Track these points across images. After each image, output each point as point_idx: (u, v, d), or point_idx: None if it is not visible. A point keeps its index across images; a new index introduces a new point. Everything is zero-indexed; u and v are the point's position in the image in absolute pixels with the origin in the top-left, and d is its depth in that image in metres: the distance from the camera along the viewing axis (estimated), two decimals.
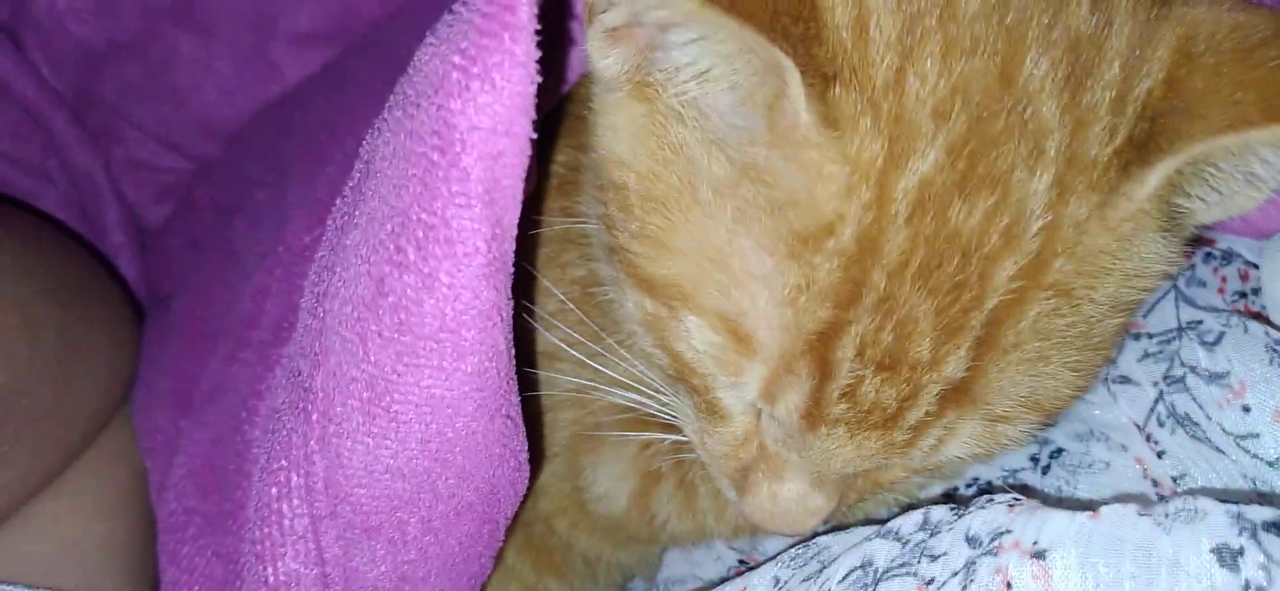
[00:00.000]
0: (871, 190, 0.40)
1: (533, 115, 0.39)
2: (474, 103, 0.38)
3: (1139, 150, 0.42)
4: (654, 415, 0.59)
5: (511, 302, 0.43)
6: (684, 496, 0.64)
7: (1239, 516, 0.40)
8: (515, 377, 0.46)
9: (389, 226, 0.41)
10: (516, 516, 0.69)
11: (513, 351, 0.45)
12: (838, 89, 0.40)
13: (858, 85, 0.40)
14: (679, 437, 0.58)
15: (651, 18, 0.41)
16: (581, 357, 0.57)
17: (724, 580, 0.59)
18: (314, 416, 0.46)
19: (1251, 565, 0.38)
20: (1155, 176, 0.42)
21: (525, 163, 0.39)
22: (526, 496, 0.68)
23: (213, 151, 0.88)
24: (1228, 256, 0.57)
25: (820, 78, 0.40)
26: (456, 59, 0.38)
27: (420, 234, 0.40)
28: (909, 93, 0.40)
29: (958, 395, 0.43)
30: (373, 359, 0.43)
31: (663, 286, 0.45)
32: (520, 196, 0.40)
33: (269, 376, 0.62)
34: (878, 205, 0.40)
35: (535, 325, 0.62)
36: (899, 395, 0.43)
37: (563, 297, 0.58)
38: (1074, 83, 0.41)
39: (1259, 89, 0.40)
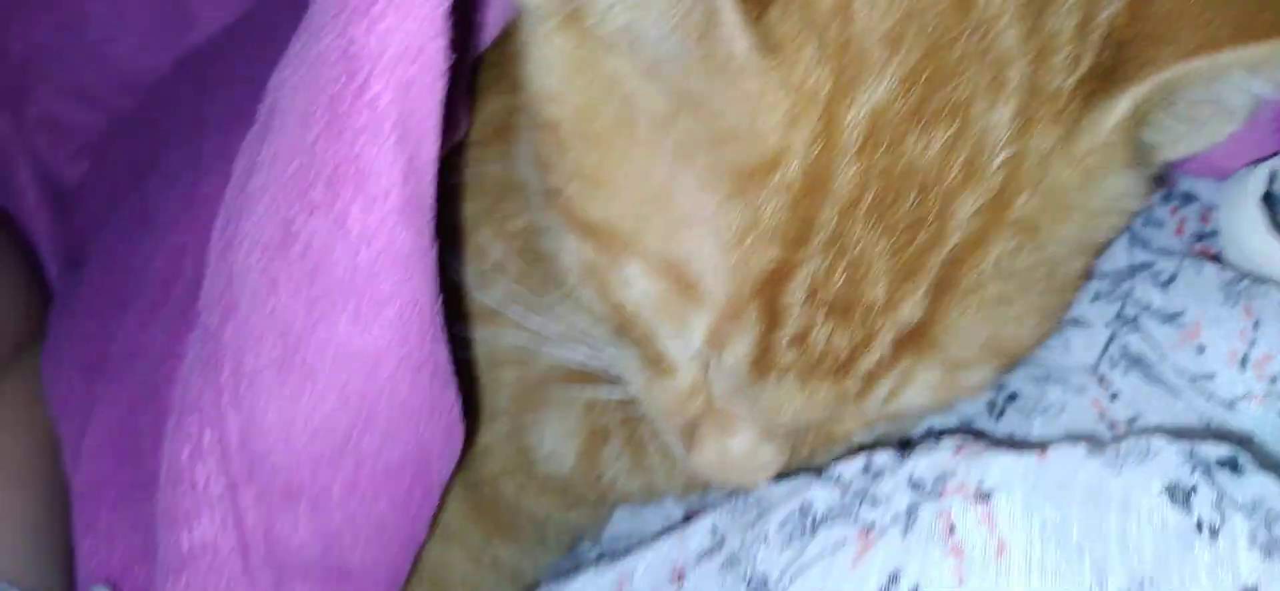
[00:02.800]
0: (818, 120, 0.38)
1: (446, 38, 0.36)
2: (380, 26, 0.35)
3: (1104, 79, 0.40)
4: (600, 371, 0.57)
5: (435, 248, 0.40)
6: (632, 453, 0.61)
7: (1192, 454, 0.38)
8: (443, 331, 0.43)
9: (295, 165, 0.38)
10: (461, 478, 0.67)
11: (439, 302, 0.42)
12: (775, 12, 0.38)
13: (799, 8, 0.38)
14: (626, 394, 0.55)
15: None
16: (523, 314, 0.54)
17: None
18: (225, 372, 0.43)
19: (1204, 503, 0.36)
20: (1121, 106, 0.40)
21: (440, 91, 0.37)
22: (470, 458, 0.66)
23: (129, 106, 0.84)
24: (1187, 198, 0.56)
25: (757, 1, 0.37)
26: None
27: (329, 172, 0.37)
28: (857, 17, 0.38)
29: (914, 340, 0.41)
30: (284, 308, 0.40)
31: (601, 230, 0.43)
32: (438, 130, 0.38)
33: (188, 335, 0.59)
34: (826, 136, 0.38)
35: (474, 282, 0.59)
36: (852, 341, 0.41)
37: (502, 252, 0.56)
38: (1035, 8, 0.39)
39: (1229, 7, 0.38)
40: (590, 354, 0.52)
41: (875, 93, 0.38)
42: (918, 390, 0.43)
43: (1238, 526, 0.35)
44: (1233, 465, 0.37)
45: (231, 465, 0.45)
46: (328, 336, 0.40)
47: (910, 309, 0.40)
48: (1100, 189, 0.42)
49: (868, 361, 0.41)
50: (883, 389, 0.43)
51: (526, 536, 0.69)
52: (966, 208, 0.39)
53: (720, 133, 0.39)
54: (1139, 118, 0.41)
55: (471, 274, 0.59)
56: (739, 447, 0.46)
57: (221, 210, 0.45)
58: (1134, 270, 0.52)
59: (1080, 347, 0.51)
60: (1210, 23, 0.38)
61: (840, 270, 0.39)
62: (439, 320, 0.43)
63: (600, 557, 0.61)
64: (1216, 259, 0.52)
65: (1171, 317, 0.49)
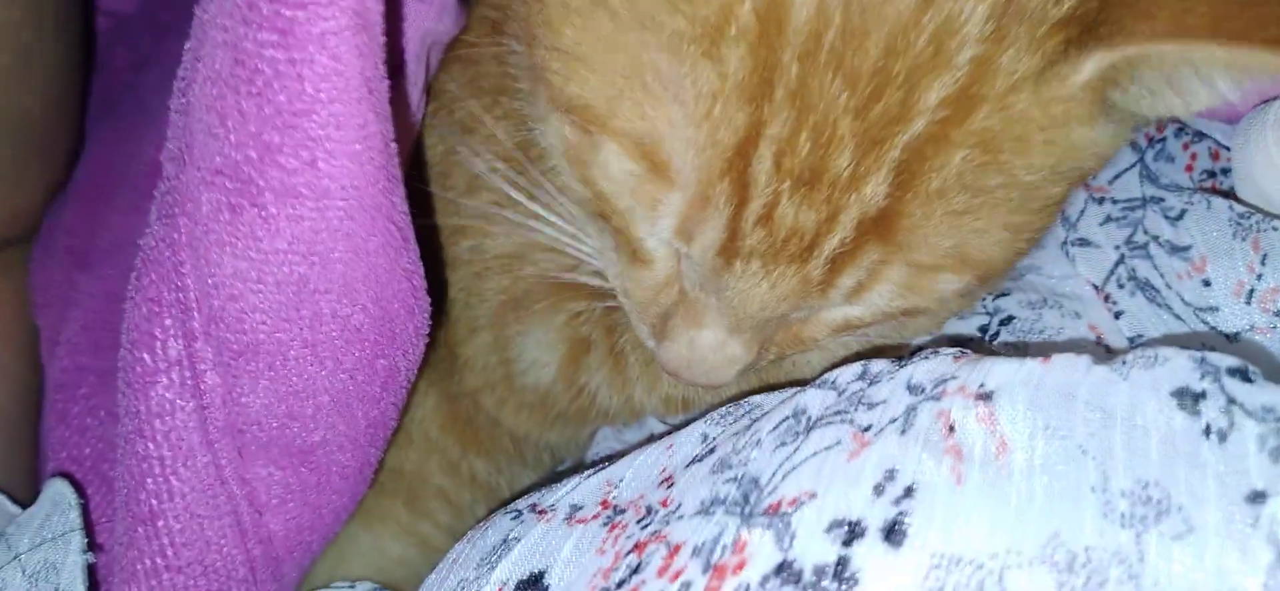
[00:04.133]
0: None
1: None
2: None
3: (1082, 30, 0.38)
4: (583, 283, 0.55)
5: (386, 80, 0.39)
6: (613, 365, 0.60)
7: (1202, 361, 0.37)
8: (399, 179, 0.42)
9: None
10: (441, 389, 0.66)
11: (392, 145, 0.41)
12: None
13: None
14: (610, 304, 0.54)
15: None
16: (516, 215, 0.53)
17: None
18: (181, 221, 0.41)
19: (1213, 408, 0.35)
20: (1089, 66, 0.39)
21: None
22: (451, 370, 0.65)
23: (129, 7, 0.82)
24: (1200, 135, 0.54)
25: None
26: None
27: None
28: None
29: (878, 228, 0.40)
30: (233, 142, 0.38)
31: (581, 108, 0.42)
32: None
33: None
34: None
35: (466, 188, 0.58)
36: (817, 219, 0.40)
37: (497, 150, 0.54)
38: None
39: (1212, 3, 0.37)
40: (575, 252, 0.51)
41: None
42: (884, 287, 0.42)
43: (1248, 431, 0.34)
44: (1243, 374, 0.36)
45: (189, 321, 0.43)
46: (276, 167, 0.38)
47: (874, 187, 0.39)
48: (1066, 134, 0.40)
49: (831, 242, 0.40)
50: (848, 280, 0.42)
51: (503, 453, 0.68)
52: (932, 92, 0.38)
53: None
54: (1107, 80, 0.39)
55: (464, 179, 0.58)
56: (708, 340, 0.45)
57: (184, 55, 0.43)
58: (1145, 201, 0.51)
59: (1086, 267, 0.50)
60: (1190, 11, 0.37)
61: (805, 133, 0.38)
62: (394, 163, 0.41)
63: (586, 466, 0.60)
64: (1228, 195, 0.51)
65: (1179, 250, 0.48)
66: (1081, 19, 0.38)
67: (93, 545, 0.49)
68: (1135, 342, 0.47)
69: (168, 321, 0.43)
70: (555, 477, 0.68)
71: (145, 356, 0.44)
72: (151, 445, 0.44)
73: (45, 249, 0.70)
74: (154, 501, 0.44)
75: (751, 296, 0.42)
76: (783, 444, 0.42)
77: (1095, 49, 0.38)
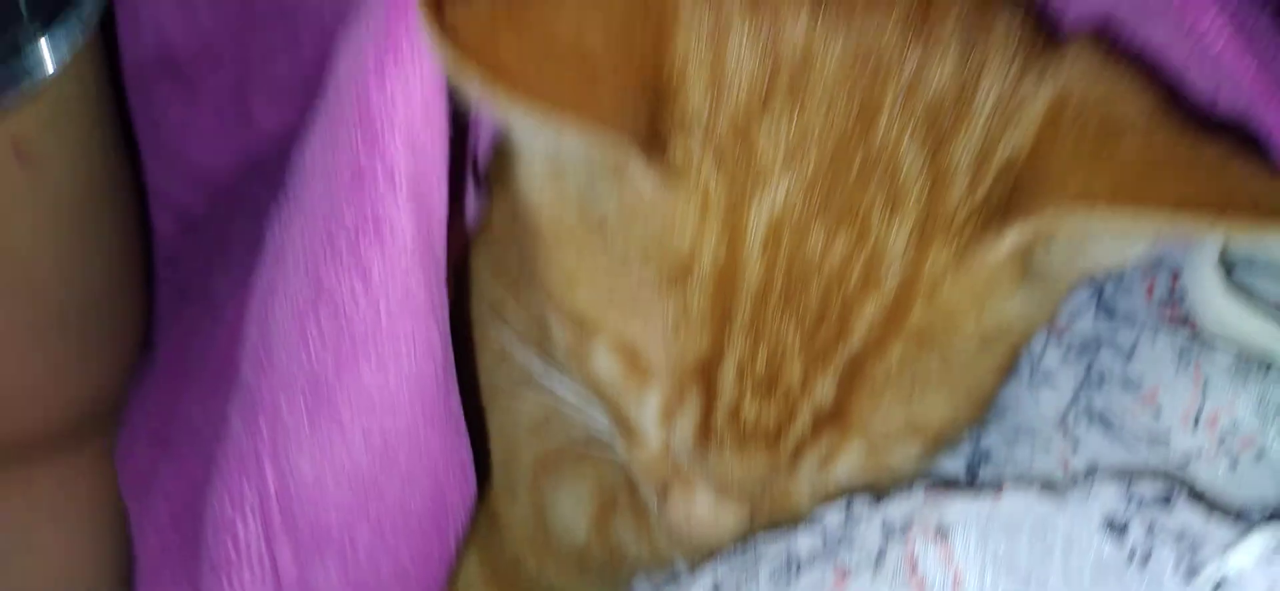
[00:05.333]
0: (721, 225, 0.43)
1: (447, 103, 0.42)
2: (390, 91, 0.41)
3: (998, 210, 0.44)
4: (606, 442, 0.62)
5: (446, 300, 0.46)
6: (638, 518, 0.66)
7: (1129, 491, 0.42)
8: (454, 379, 0.49)
9: (322, 224, 0.44)
10: (483, 554, 0.72)
11: (450, 352, 0.48)
12: (678, 143, 0.43)
13: (702, 135, 0.43)
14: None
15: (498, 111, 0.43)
16: (543, 377, 0.60)
17: None
18: (262, 426, 0.48)
19: (1136, 534, 0.40)
20: (1010, 239, 0.44)
21: (444, 153, 0.42)
22: (492, 534, 0.71)
23: (200, 206, 0.91)
24: (1157, 262, 0.59)
25: (660, 141, 0.43)
26: (370, 48, 0.41)
27: (351, 227, 0.43)
28: (759, 138, 0.43)
29: (832, 420, 0.46)
30: (314, 359, 0.45)
31: (575, 317, 0.49)
32: (444, 189, 0.43)
33: None
34: (730, 238, 0.44)
35: (497, 360, 0.65)
36: (778, 416, 0.46)
37: (523, 328, 0.61)
38: (935, 140, 0.44)
39: (1112, 173, 0.42)
40: (589, 423, 0.57)
41: (775, 199, 0.43)
42: (845, 464, 0.48)
43: (1164, 555, 0.39)
44: (1165, 500, 0.41)
45: (269, 517, 0.50)
46: (353, 383, 0.45)
47: (823, 391, 0.45)
48: (994, 308, 0.46)
49: (793, 435, 0.46)
50: (811, 460, 0.48)
51: None
52: (867, 311, 0.44)
53: (646, 244, 0.45)
54: (1027, 248, 0.44)
55: (495, 353, 0.65)
56: (701, 507, 0.51)
57: (258, 277, 0.51)
58: (1099, 338, 0.56)
59: (1048, 402, 0.55)
60: (1093, 179, 0.42)
61: (762, 354, 0.44)
62: (452, 369, 0.48)
63: None
64: (1187, 321, 0.56)
65: (1131, 384, 0.53)
66: (996, 200, 0.44)
67: None
68: (1092, 473, 0.52)
69: (248, 514, 0.50)
70: None
71: (229, 545, 0.51)
72: None
73: (131, 433, 0.78)
74: None
75: (729, 471, 0.49)
76: (777, 587, 0.48)
77: (1012, 224, 0.43)
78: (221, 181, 0.88)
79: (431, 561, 0.55)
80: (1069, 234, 0.45)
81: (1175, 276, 0.58)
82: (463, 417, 0.51)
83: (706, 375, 0.46)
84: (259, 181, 0.86)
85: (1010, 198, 0.44)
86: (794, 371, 0.45)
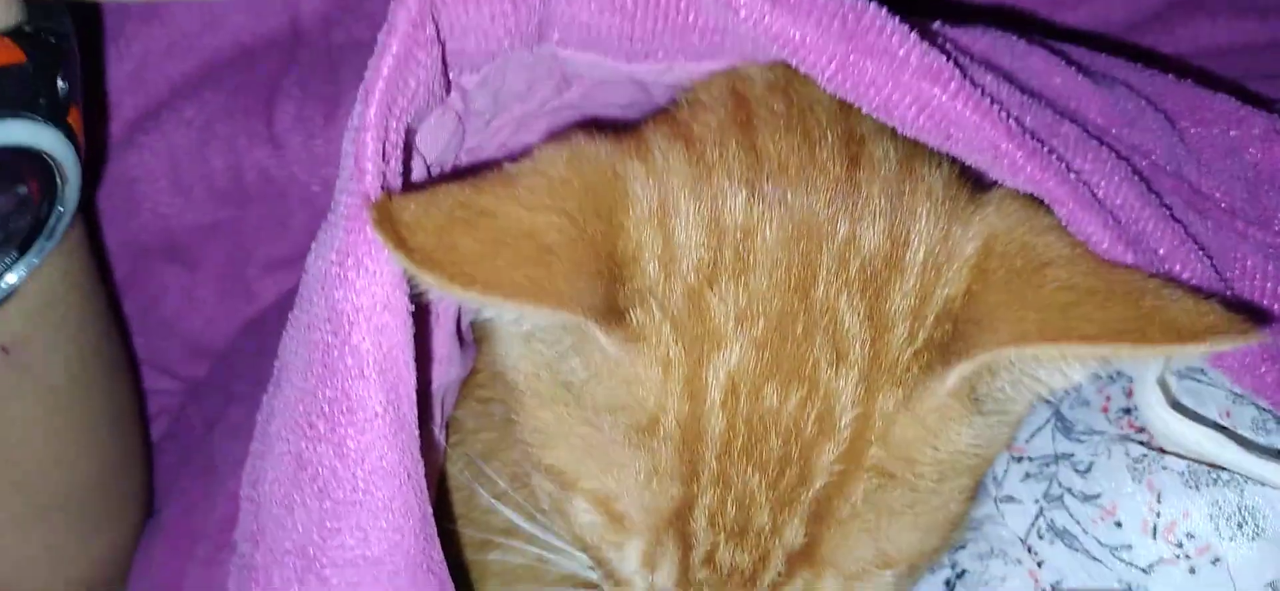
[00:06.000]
0: (681, 384, 0.47)
1: (407, 290, 0.46)
2: (354, 288, 0.44)
3: (940, 352, 0.48)
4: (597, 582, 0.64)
5: (422, 464, 0.49)
6: None
7: None
8: (435, 535, 0.51)
9: (301, 407, 0.47)
10: None
11: (429, 511, 0.50)
12: (636, 312, 0.47)
13: (658, 304, 0.47)
14: None
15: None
16: (535, 528, 0.62)
17: None
18: None
19: None
20: (952, 378, 0.47)
21: (409, 333, 0.46)
22: None
23: (200, 372, 0.94)
24: (1113, 376, 0.62)
25: (619, 312, 0.47)
26: (333, 256, 0.45)
27: (326, 408, 0.46)
28: (710, 306, 0.47)
29: (804, 558, 0.49)
30: (300, 529, 0.48)
31: (555, 472, 0.52)
32: (411, 364, 0.46)
33: None
34: (691, 395, 0.47)
35: (488, 505, 0.67)
36: (752, 559, 0.48)
37: (510, 478, 0.64)
38: (872, 294, 0.47)
39: (1039, 309, 0.46)
40: (575, 570, 0.60)
41: (730, 358, 0.47)
42: None
43: None
44: None
45: None
46: (337, 547, 0.48)
47: (792, 533, 0.48)
48: (946, 440, 0.49)
49: (768, 575, 0.49)
50: None
51: None
52: (826, 455, 0.47)
53: (614, 405, 0.48)
54: (971, 382, 0.48)
55: (486, 497, 0.67)
56: None
57: (249, 455, 0.54)
58: (1057, 457, 0.58)
59: (1014, 521, 0.57)
60: (1022, 320, 0.46)
61: (731, 501, 0.47)
62: (431, 526, 0.50)
63: None
64: (1144, 430, 0.59)
65: (1090, 499, 0.55)
66: (936, 344, 0.47)
67: None
68: (1058, 587, 0.54)
69: None
70: None
71: None
72: None
73: None
74: None
75: None
76: None
77: (955, 362, 0.47)
78: (222, 347, 0.91)
79: None
80: (1009, 366, 0.48)
81: (1129, 390, 0.61)
82: (445, 567, 0.53)
83: (681, 523, 0.49)
84: (255, 346, 0.89)
85: (951, 338, 0.47)
86: (762, 516, 0.47)
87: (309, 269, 0.49)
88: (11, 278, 0.57)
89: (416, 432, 0.48)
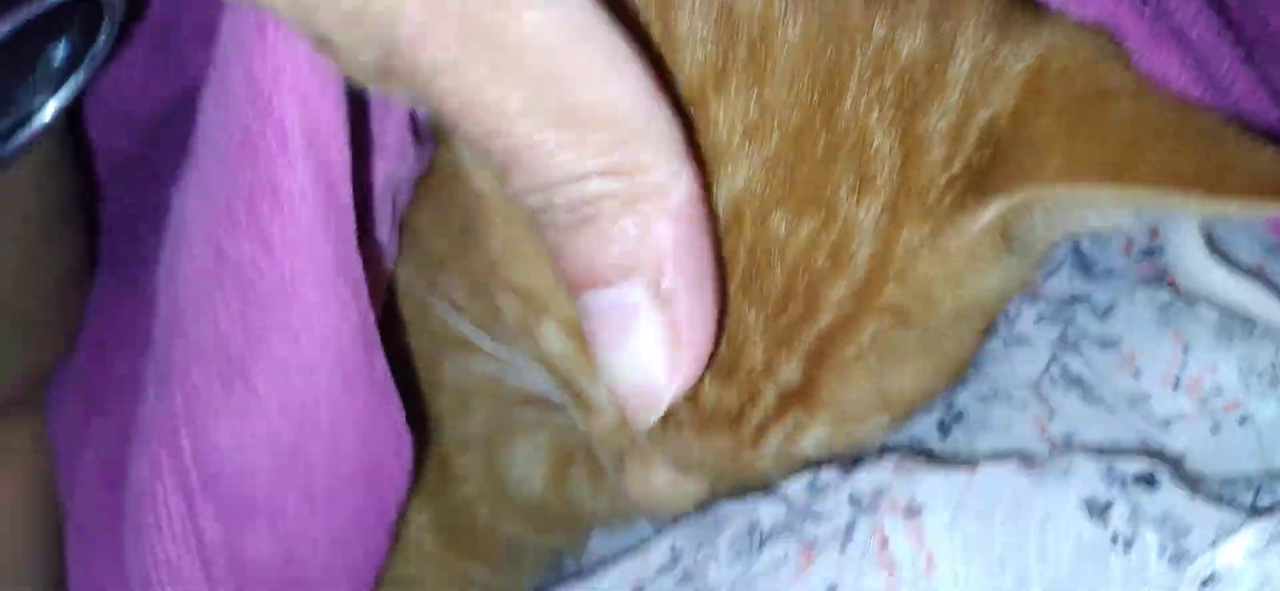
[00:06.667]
0: None
1: None
2: (273, 49, 0.37)
3: (976, 181, 0.41)
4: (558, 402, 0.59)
5: (360, 259, 0.42)
6: (594, 476, 0.63)
7: (1109, 471, 0.40)
8: (379, 344, 0.45)
9: (219, 191, 0.40)
10: (434, 504, 0.69)
11: (369, 312, 0.44)
12: None
13: None
14: None
15: None
16: (491, 345, 0.57)
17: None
18: (176, 394, 0.45)
19: (1119, 517, 0.38)
20: (988, 213, 0.41)
21: (341, 98, 0.38)
22: (444, 484, 0.68)
23: (125, 148, 0.86)
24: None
25: None
26: (251, 12, 0.37)
27: (247, 193, 0.39)
28: (715, 118, 0.40)
29: (799, 398, 0.44)
30: (223, 330, 0.42)
31: (524, 293, 0.46)
32: (344, 133, 0.39)
33: None
34: None
35: (445, 313, 0.61)
36: (739, 399, 0.43)
37: (469, 289, 0.58)
38: (908, 109, 0.40)
39: (1100, 142, 0.39)
40: (536, 388, 0.54)
41: (735, 180, 0.40)
42: (811, 441, 0.45)
43: (1149, 539, 0.37)
44: (1149, 480, 0.39)
45: (189, 482, 0.46)
46: (265, 353, 0.42)
47: (788, 373, 0.42)
48: (970, 281, 0.43)
49: (756, 416, 0.44)
50: (775, 438, 0.45)
51: (502, 558, 0.70)
52: (836, 292, 0.41)
53: None
54: (1007, 219, 0.41)
55: (443, 306, 0.62)
56: (660, 478, 0.49)
57: (166, 240, 0.47)
58: (1075, 299, 0.54)
59: (1023, 365, 0.53)
60: (1080, 153, 0.39)
61: (721, 337, 0.40)
62: (371, 328, 0.44)
63: (571, 576, 0.63)
64: (1164, 277, 0.54)
65: (1109, 344, 0.51)
66: (975, 169, 0.41)
67: None
68: (1069, 440, 0.50)
69: (168, 481, 0.47)
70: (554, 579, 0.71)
71: (149, 515, 0.47)
72: None
73: (60, 392, 0.74)
74: None
75: (688, 452, 0.46)
76: (738, 558, 0.45)
77: (993, 196, 0.40)
78: (149, 122, 0.83)
79: (370, 524, 0.51)
80: (1054, 204, 0.41)
81: (1154, 231, 0.56)
82: (390, 378, 0.47)
83: None
84: (183, 120, 0.81)
85: (990, 166, 0.41)
86: (755, 354, 0.42)
87: (223, 29, 0.41)
88: (47, 114, 0.53)
89: (353, 222, 0.41)
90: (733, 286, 0.41)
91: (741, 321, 0.41)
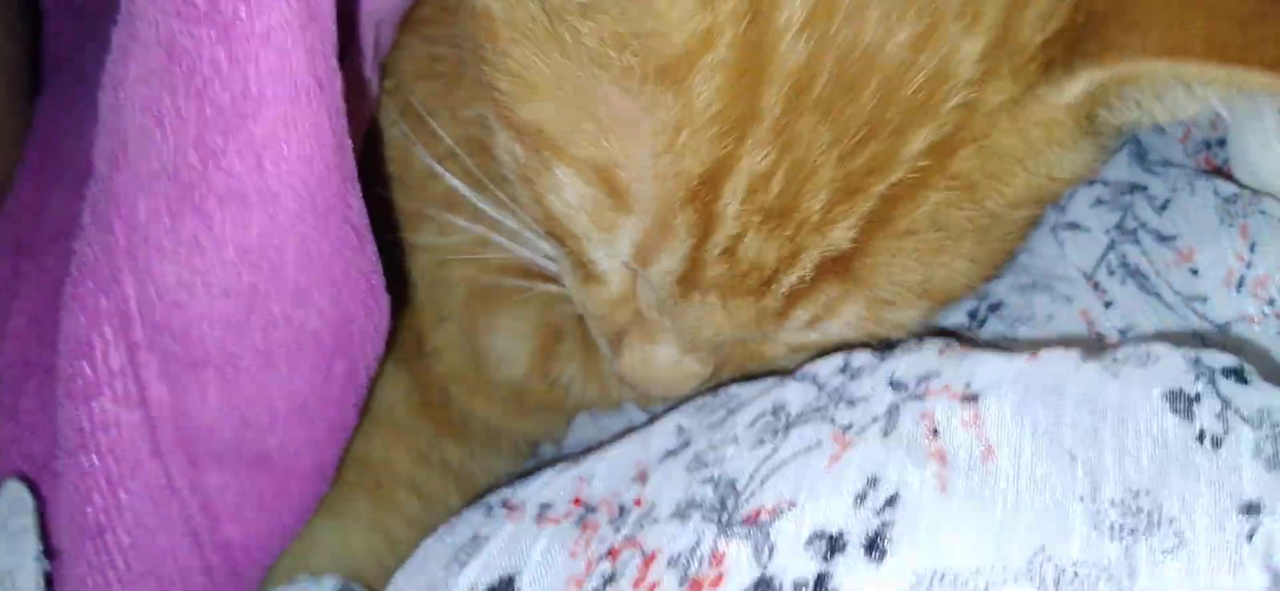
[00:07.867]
0: None
1: None
2: None
3: (1067, 47, 0.36)
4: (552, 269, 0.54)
5: (339, 75, 0.37)
6: (586, 356, 0.59)
7: (1197, 361, 0.35)
8: (354, 175, 0.40)
9: None
10: (409, 374, 0.63)
11: (347, 141, 0.38)
12: None
13: None
14: None
15: None
16: (475, 206, 0.51)
17: None
18: (117, 226, 0.39)
19: (1207, 413, 0.34)
20: (1076, 86, 0.37)
21: None
22: (420, 357, 0.62)
23: None
24: None
25: None
26: None
27: None
28: None
29: (839, 268, 0.39)
30: (172, 145, 0.36)
31: (532, 132, 0.40)
32: None
33: None
34: (754, 9, 0.34)
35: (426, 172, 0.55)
36: (779, 254, 0.38)
37: (455, 139, 0.52)
38: None
39: (1208, 16, 0.35)
40: (530, 256, 0.50)
41: None
42: (840, 321, 0.41)
43: (1243, 437, 0.33)
44: (1239, 374, 0.35)
45: (131, 331, 0.41)
46: (219, 171, 0.36)
47: (841, 232, 0.38)
48: (1046, 159, 0.39)
49: (789, 279, 0.39)
50: (803, 313, 0.41)
51: (477, 440, 0.66)
52: (917, 143, 0.36)
53: (630, 35, 0.36)
54: (1095, 97, 0.37)
55: (422, 164, 0.56)
56: (663, 357, 0.45)
57: (112, 43, 0.40)
58: (1133, 187, 0.49)
59: (1076, 252, 0.48)
60: (1185, 26, 0.35)
61: (782, 170, 0.36)
62: (348, 160, 0.39)
63: (555, 461, 0.59)
64: (1220, 171, 0.50)
65: (1166, 239, 0.47)
66: (1066, 36, 0.36)
67: (48, 549, 0.47)
68: (1126, 334, 0.45)
69: (107, 331, 0.41)
70: (535, 467, 0.67)
71: (86, 367, 0.41)
72: (96, 459, 0.42)
73: None
74: (102, 517, 0.42)
75: (706, 323, 0.41)
76: (761, 442, 0.40)
77: (1083, 68, 0.36)
78: None
79: (336, 391, 0.46)
80: (1149, 83, 0.37)
81: (1214, 122, 0.51)
82: (366, 221, 0.42)
83: (705, 197, 0.37)
84: None
85: (1083, 34, 0.36)
86: (816, 199, 0.37)
87: None
88: None
89: (335, 37, 0.36)
90: (812, 98, 0.35)
91: (814, 147, 0.36)
